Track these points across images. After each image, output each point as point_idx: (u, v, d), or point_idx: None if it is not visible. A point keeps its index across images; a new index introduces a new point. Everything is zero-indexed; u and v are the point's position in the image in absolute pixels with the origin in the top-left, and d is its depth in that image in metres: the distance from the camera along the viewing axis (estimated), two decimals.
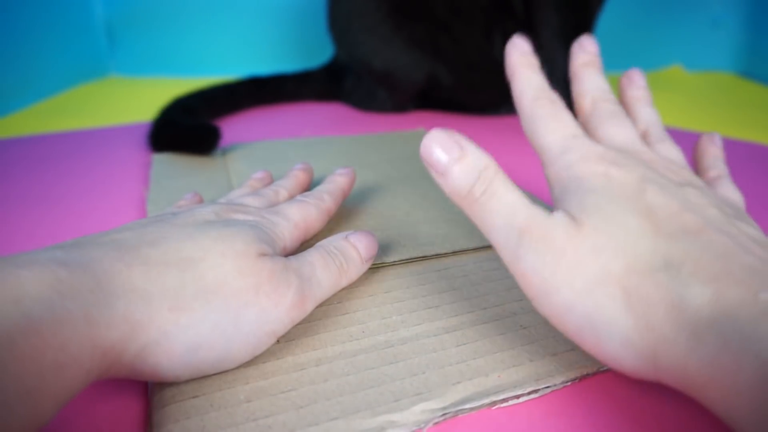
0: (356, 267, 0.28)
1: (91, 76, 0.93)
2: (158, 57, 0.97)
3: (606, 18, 0.77)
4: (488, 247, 0.34)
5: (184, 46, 0.97)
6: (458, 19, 0.68)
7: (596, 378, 0.24)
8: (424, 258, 0.33)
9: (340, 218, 0.37)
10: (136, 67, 0.97)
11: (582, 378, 0.24)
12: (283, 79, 0.76)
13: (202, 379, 0.23)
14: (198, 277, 0.22)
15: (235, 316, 0.22)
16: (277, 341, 0.25)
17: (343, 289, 0.29)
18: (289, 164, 0.48)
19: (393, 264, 0.32)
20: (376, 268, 0.31)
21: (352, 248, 0.28)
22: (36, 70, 0.79)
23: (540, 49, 0.67)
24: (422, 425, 0.21)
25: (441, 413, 0.22)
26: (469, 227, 0.35)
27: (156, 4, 0.94)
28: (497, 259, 0.33)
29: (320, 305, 0.28)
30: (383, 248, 0.33)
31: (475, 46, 0.69)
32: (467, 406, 0.22)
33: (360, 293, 0.29)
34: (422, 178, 0.45)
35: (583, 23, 0.65)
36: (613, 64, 1.03)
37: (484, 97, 0.73)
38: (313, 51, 0.94)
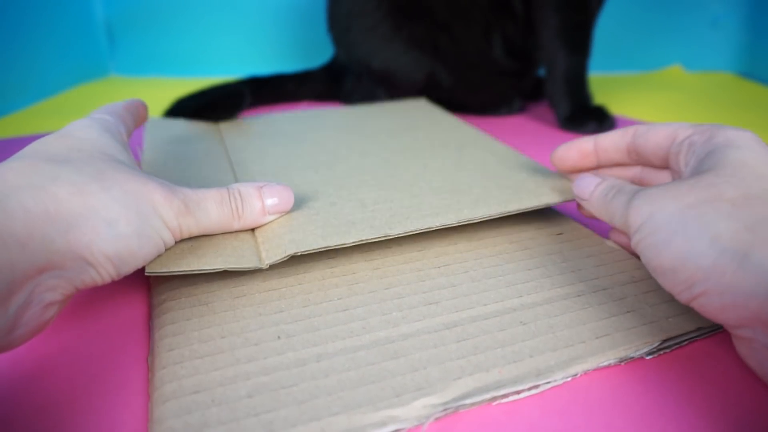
0: (254, 216, 0.30)
1: (91, 76, 0.93)
2: (158, 57, 0.97)
3: (606, 18, 0.77)
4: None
5: (184, 46, 0.97)
6: (458, 19, 0.68)
7: (596, 374, 0.24)
8: (429, 230, 0.32)
9: (340, 189, 0.36)
10: (136, 67, 0.97)
11: (582, 374, 0.24)
12: (282, 79, 0.76)
13: (203, 374, 0.23)
14: (93, 172, 0.24)
15: (134, 199, 0.24)
16: (278, 337, 0.25)
17: (343, 285, 0.29)
18: (286, 137, 0.47)
19: (394, 254, 0.32)
20: (376, 265, 0.32)
21: (258, 199, 0.30)
22: (36, 70, 0.79)
23: (540, 49, 0.67)
24: (423, 420, 0.21)
25: (442, 408, 0.22)
26: (474, 197, 0.34)
27: (156, 4, 0.94)
28: (498, 255, 0.33)
29: (320, 302, 0.28)
30: (387, 222, 0.31)
31: (475, 47, 0.69)
32: (468, 401, 0.22)
33: (360, 289, 0.29)
34: (423, 148, 0.44)
35: (583, 23, 0.65)
36: (613, 64, 1.03)
37: (484, 97, 0.73)
38: (313, 51, 0.94)
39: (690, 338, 0.26)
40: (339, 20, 0.73)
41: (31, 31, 0.77)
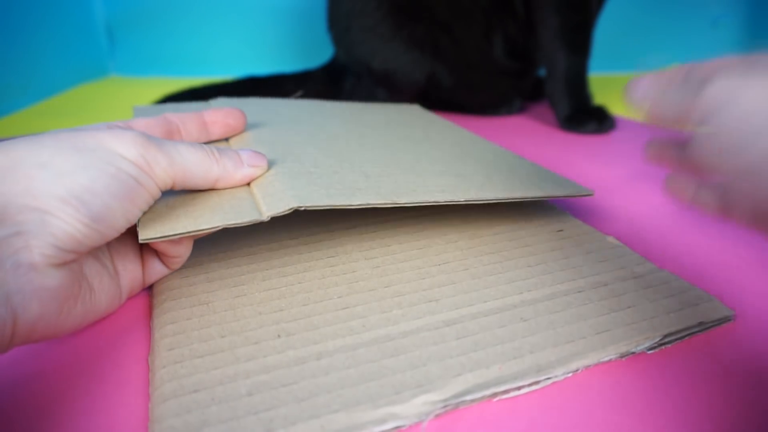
0: (234, 163, 0.29)
1: (91, 76, 0.93)
2: (158, 57, 0.97)
3: (606, 18, 0.77)
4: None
5: (184, 46, 0.97)
6: (458, 19, 0.68)
7: (597, 369, 0.24)
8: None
9: (342, 162, 0.34)
10: (136, 67, 0.97)
11: (583, 369, 0.24)
12: (281, 79, 0.76)
13: (204, 373, 0.23)
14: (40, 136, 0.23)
15: (69, 140, 0.23)
16: (278, 336, 0.25)
17: (343, 284, 0.29)
18: (283, 117, 0.45)
19: (394, 252, 0.32)
20: (376, 264, 0.31)
21: (235, 153, 0.29)
22: (36, 70, 0.79)
23: (540, 49, 0.67)
24: (423, 417, 0.21)
25: (442, 405, 0.22)
26: (479, 182, 0.33)
27: (156, 4, 0.94)
28: (498, 252, 0.33)
29: (320, 300, 0.28)
30: (394, 191, 0.30)
31: (476, 47, 0.69)
32: (468, 397, 0.22)
33: (360, 288, 0.29)
34: (421, 141, 0.42)
35: (584, 24, 0.65)
36: (613, 64, 1.03)
37: (484, 98, 0.73)
38: (313, 51, 0.94)
39: (691, 333, 0.26)
40: (339, 20, 0.73)
41: (31, 31, 0.77)
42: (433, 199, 0.30)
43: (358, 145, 0.39)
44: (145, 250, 0.29)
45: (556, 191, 0.34)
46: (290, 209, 0.27)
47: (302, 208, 0.27)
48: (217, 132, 0.34)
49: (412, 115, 0.54)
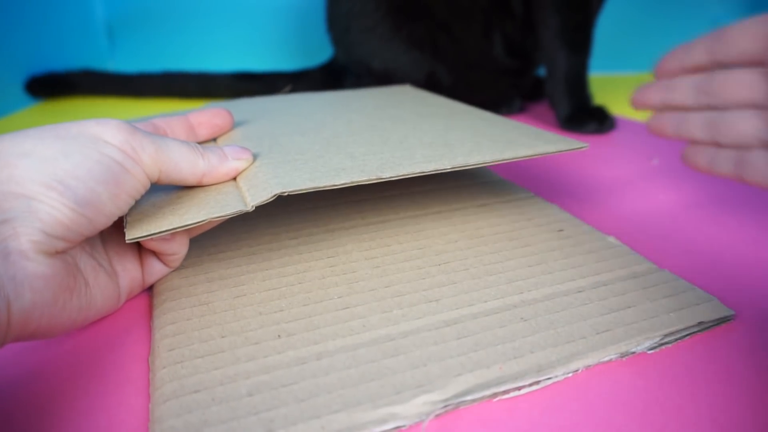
0: (218, 157, 0.29)
1: None
2: (158, 57, 0.97)
3: (606, 18, 0.77)
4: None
5: (184, 46, 0.97)
6: (458, 19, 0.68)
7: (597, 369, 0.24)
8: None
9: (328, 146, 0.34)
10: (136, 67, 0.97)
11: (583, 369, 0.24)
12: (275, 77, 0.76)
13: (204, 374, 0.23)
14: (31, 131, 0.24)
15: (52, 130, 0.23)
16: (278, 336, 0.25)
17: (344, 284, 0.29)
18: (269, 112, 0.44)
19: (394, 252, 0.32)
20: (376, 263, 0.31)
21: (219, 149, 0.30)
22: (36, 70, 0.79)
23: (540, 49, 0.67)
24: (423, 417, 0.21)
25: (442, 405, 0.22)
26: (467, 149, 0.33)
27: (156, 4, 0.94)
28: (499, 252, 0.33)
29: (320, 300, 0.28)
30: (379, 167, 0.30)
31: (475, 46, 0.69)
32: (469, 397, 0.22)
33: (361, 288, 0.29)
34: (411, 117, 0.42)
35: (584, 23, 0.65)
36: (614, 64, 1.03)
37: (485, 97, 0.73)
38: (312, 51, 0.94)
39: (691, 332, 0.26)
40: (338, 20, 0.73)
41: (31, 31, 0.77)
42: (419, 170, 0.30)
43: (346, 129, 0.38)
44: (144, 249, 0.29)
45: (548, 148, 0.33)
46: (274, 196, 0.26)
47: (285, 193, 0.27)
48: (204, 133, 0.35)
49: (403, 94, 0.53)
